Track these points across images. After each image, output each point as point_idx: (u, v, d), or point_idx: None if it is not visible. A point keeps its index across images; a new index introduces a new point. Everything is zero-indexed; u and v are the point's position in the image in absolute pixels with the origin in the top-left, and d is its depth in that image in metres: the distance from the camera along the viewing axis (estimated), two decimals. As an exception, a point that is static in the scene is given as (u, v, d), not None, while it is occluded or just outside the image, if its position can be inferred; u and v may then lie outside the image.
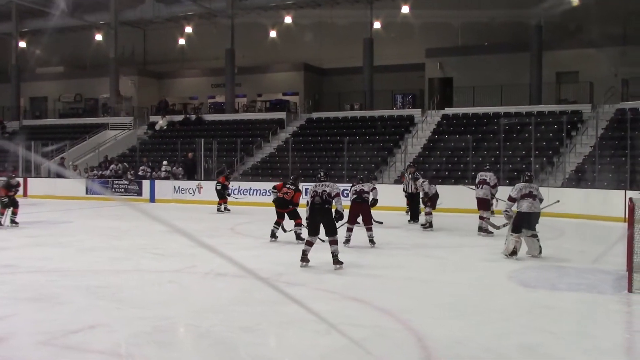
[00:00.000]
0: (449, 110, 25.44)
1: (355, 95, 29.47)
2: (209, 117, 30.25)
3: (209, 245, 11.11)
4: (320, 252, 9.35)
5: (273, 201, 12.08)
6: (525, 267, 9.10)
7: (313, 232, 8.95)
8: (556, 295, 7.52)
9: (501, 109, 23.77)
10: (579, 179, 18.21)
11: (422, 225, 13.88)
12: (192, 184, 22.31)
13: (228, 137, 26.35)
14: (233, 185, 21.48)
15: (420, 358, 5.04)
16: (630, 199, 9.29)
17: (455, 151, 21.65)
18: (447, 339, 5.55)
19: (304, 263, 8.93)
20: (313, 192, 9.07)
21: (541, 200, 9.91)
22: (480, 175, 13.11)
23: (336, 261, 8.80)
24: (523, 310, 6.76)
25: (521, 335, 5.74)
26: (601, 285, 7.89)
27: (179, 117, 30.60)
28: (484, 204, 12.82)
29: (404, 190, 15.59)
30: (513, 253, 9.60)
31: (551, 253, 9.94)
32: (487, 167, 14.21)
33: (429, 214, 13.68)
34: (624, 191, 15.66)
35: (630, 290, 7.37)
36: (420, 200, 14.51)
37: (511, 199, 9.82)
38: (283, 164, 23.21)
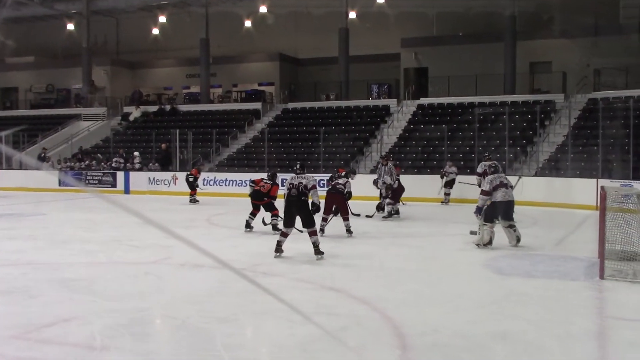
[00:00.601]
0: (424, 100, 25.55)
1: (331, 85, 29.45)
2: (184, 108, 29.99)
3: (184, 236, 11.07)
4: (297, 242, 9.36)
5: (250, 194, 12.05)
6: (499, 255, 9.20)
7: (288, 223, 8.95)
8: (530, 282, 7.61)
9: (476, 99, 23.95)
10: (552, 168, 18.43)
11: (383, 217, 13.85)
12: (167, 175, 22.16)
13: (203, 128, 26.18)
14: (209, 176, 21.42)
15: (396, 346, 5.08)
16: (602, 187, 9.46)
17: (431, 141, 21.78)
18: (423, 326, 5.60)
19: (278, 254, 8.94)
20: (289, 184, 9.07)
21: (512, 187, 9.97)
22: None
23: (317, 252, 8.83)
24: (497, 298, 6.84)
25: (495, 322, 5.81)
26: (573, 272, 8.02)
27: (154, 108, 30.29)
28: None
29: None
30: (489, 243, 9.64)
31: (525, 241, 10.05)
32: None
33: (390, 204, 13.81)
34: (595, 180, 15.90)
35: (601, 277, 7.50)
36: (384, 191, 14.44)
37: (486, 193, 9.74)
38: (259, 155, 23.15)
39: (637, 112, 18.30)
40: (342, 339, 5.30)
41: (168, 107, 29.90)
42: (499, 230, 9.85)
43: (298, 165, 9.47)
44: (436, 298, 6.80)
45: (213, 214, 15.12)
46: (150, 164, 23.52)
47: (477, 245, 9.71)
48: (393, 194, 13.88)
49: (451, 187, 17.44)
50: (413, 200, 16.79)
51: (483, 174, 12.85)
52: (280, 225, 10.09)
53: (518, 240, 9.83)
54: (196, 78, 32.27)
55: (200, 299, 6.56)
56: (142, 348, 5.07)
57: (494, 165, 10.51)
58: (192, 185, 18.37)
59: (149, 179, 22.37)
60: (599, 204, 8.76)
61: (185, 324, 5.69)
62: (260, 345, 5.36)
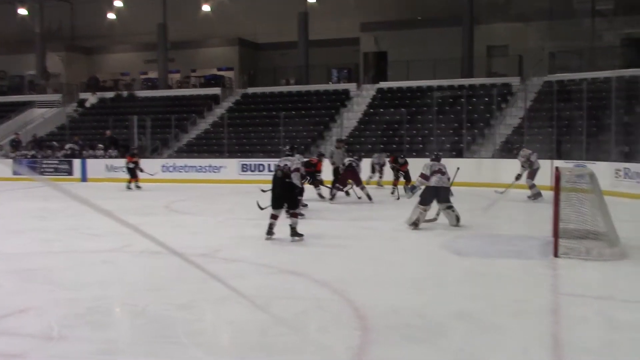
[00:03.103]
0: (383, 84, 25.66)
1: (291, 70, 29.29)
2: (142, 94, 29.50)
3: (143, 223, 10.95)
4: (258, 228, 9.34)
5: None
6: (457, 236, 9.35)
7: (274, 205, 9.07)
8: (487, 262, 7.77)
9: (434, 83, 24.15)
10: (508, 150, 18.74)
11: (329, 199, 14.13)
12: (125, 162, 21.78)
13: (162, 114, 25.77)
14: (168, 162, 21.21)
15: (356, 328, 5.13)
16: (557, 168, 9.66)
17: (390, 124, 21.91)
18: (383, 307, 5.67)
19: (269, 236, 9.01)
20: (277, 165, 9.31)
21: (449, 178, 10.36)
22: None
23: (294, 233, 8.96)
24: (456, 278, 6.96)
25: (454, 301, 5.91)
26: (529, 251, 8.21)
27: (111, 94, 29.70)
28: None
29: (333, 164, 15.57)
30: (414, 224, 9.94)
31: (483, 222, 10.24)
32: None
33: (335, 188, 14.15)
34: (550, 161, 16.24)
35: (556, 255, 7.70)
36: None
37: (424, 177, 10.14)
38: (219, 140, 22.97)
39: (590, 95, 18.71)
40: (303, 323, 5.34)
41: (125, 93, 29.38)
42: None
43: (288, 147, 9.65)
44: (396, 280, 6.88)
45: (172, 201, 14.96)
46: (110, 150, 23.12)
47: (408, 225, 10.01)
48: (341, 180, 14.13)
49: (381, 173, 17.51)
50: (373, 183, 16.94)
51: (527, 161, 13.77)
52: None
53: (458, 219, 10.18)
54: (154, 63, 31.67)
55: (159, 286, 6.51)
56: (101, 337, 5.01)
57: (436, 153, 11.26)
58: (134, 173, 18.23)
59: (107, 166, 22.00)
60: (553, 184, 8.94)
61: (145, 312, 5.65)
62: (221, 330, 5.35)
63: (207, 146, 23.50)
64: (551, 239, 8.05)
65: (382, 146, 20.97)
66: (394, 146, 20.52)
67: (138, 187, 18.08)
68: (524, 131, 19.13)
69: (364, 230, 10.34)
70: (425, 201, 10.02)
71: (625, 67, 20.81)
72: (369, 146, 20.77)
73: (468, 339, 4.85)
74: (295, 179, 9.18)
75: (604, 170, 14.58)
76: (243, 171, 20.52)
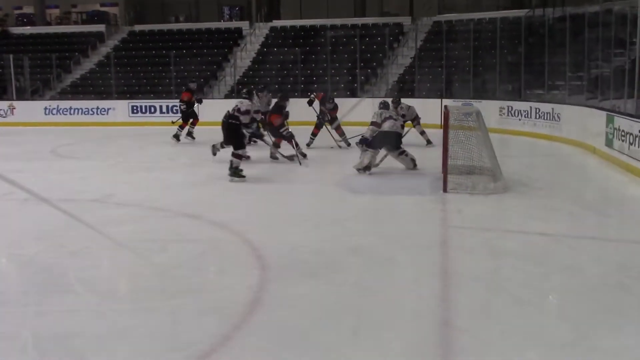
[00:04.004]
0: (277, 23, 25.26)
1: (180, 6, 28.20)
2: (17, 31, 27.33)
3: (27, 169, 10.38)
4: (151, 171, 9.10)
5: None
6: (352, 175, 9.52)
7: (224, 142, 10.01)
8: (380, 199, 8.02)
9: (328, 22, 24.05)
10: (400, 89, 19.16)
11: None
12: (3, 104, 20.38)
13: (41, 53, 24.12)
14: (51, 104, 20.09)
15: (255, 267, 5.17)
16: (446, 106, 10.02)
17: (284, 64, 21.71)
18: (281, 246, 5.74)
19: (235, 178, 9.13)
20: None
21: (402, 125, 10.20)
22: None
23: (233, 173, 9.07)
24: (351, 215, 7.14)
25: (350, 238, 6.07)
26: (420, 187, 8.53)
27: (-19, 31, 27.42)
28: None
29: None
30: (367, 168, 9.59)
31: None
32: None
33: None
34: (440, 100, 16.80)
35: (445, 190, 8.06)
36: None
37: (377, 125, 9.85)
38: (105, 81, 21.84)
39: (477, 35, 19.32)
40: (201, 264, 5.32)
41: (-1, 30, 27.19)
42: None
43: (245, 90, 9.71)
44: (293, 219, 6.95)
45: (58, 145, 14.22)
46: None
47: (358, 170, 9.61)
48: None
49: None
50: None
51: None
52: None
53: (414, 162, 9.97)
54: (29, -3, 29.46)
55: (48, 234, 6.22)
56: (-14, 289, 4.77)
57: (384, 102, 10.78)
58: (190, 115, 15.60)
59: (-18, 108, 20.50)
60: (442, 123, 9.27)
61: (34, 261, 5.41)
62: (116, 275, 5.22)
63: (94, 87, 22.32)
64: (441, 176, 8.40)
65: (276, 86, 20.82)
66: (289, 86, 20.43)
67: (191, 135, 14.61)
68: (415, 70, 19.57)
69: (259, 172, 10.28)
70: (374, 145, 9.69)
71: (509, 9, 21.65)
72: (262, 86, 20.54)
73: (363, 273, 5.02)
74: (244, 120, 9.37)
75: (489, 109, 15.26)
76: (133, 113, 19.75)
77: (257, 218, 6.98)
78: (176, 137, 14.10)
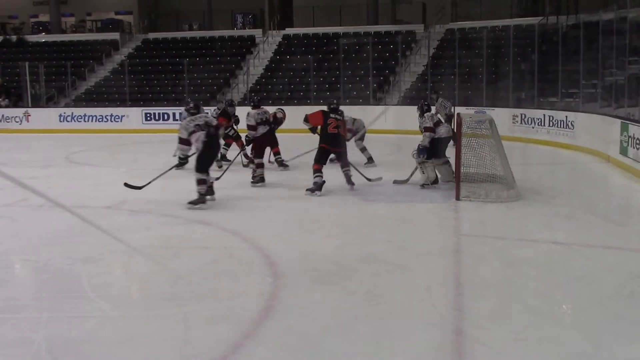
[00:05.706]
0: (289, 31, 25.36)
1: (194, 15, 28.35)
2: (33, 39, 27.65)
3: (42, 176, 10.47)
4: (164, 179, 9.11)
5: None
6: (364, 183, 9.47)
7: None
8: (393, 206, 7.99)
9: (340, 29, 24.13)
10: (413, 97, 19.13)
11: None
12: (18, 111, 20.59)
13: (56, 60, 24.39)
14: (65, 111, 20.25)
15: (268, 274, 5.16)
16: (458, 114, 9.96)
17: (297, 72, 21.78)
18: (294, 254, 5.72)
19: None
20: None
21: (452, 129, 9.49)
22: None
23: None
24: (363, 222, 7.12)
25: (362, 245, 6.06)
26: (433, 195, 8.50)
27: (-2, 38, 27.73)
28: None
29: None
30: (435, 182, 8.99)
31: (389, 168, 10.44)
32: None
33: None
34: (453, 107, 16.72)
35: (457, 198, 8.02)
36: None
37: (431, 130, 8.95)
38: (119, 88, 22.04)
39: (490, 43, 19.29)
40: (214, 271, 5.32)
41: (14, 38, 27.42)
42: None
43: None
44: (306, 226, 6.95)
45: (72, 152, 14.33)
46: (0, 100, 21.69)
47: (424, 185, 8.94)
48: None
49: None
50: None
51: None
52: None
53: (453, 174, 8.72)
54: (45, 6, 29.74)
55: (62, 240, 6.26)
56: (2, 294, 4.78)
57: (426, 104, 9.67)
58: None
59: (-2, 116, 20.71)
60: (455, 130, 9.24)
61: (47, 267, 5.44)
62: (128, 283, 5.24)
63: (108, 94, 22.53)
64: (453, 183, 8.36)
65: (289, 94, 20.88)
66: (302, 94, 20.50)
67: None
68: (428, 79, 19.54)
69: (272, 179, 10.28)
70: (433, 155, 8.90)
71: (522, 16, 21.59)
72: (276, 94, 20.63)
73: (375, 280, 5.00)
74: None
75: (502, 116, 15.21)
76: (147, 120, 19.88)
77: (269, 225, 6.98)
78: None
